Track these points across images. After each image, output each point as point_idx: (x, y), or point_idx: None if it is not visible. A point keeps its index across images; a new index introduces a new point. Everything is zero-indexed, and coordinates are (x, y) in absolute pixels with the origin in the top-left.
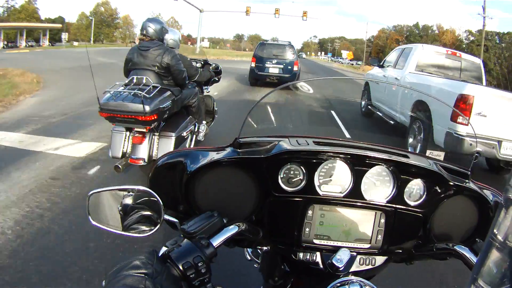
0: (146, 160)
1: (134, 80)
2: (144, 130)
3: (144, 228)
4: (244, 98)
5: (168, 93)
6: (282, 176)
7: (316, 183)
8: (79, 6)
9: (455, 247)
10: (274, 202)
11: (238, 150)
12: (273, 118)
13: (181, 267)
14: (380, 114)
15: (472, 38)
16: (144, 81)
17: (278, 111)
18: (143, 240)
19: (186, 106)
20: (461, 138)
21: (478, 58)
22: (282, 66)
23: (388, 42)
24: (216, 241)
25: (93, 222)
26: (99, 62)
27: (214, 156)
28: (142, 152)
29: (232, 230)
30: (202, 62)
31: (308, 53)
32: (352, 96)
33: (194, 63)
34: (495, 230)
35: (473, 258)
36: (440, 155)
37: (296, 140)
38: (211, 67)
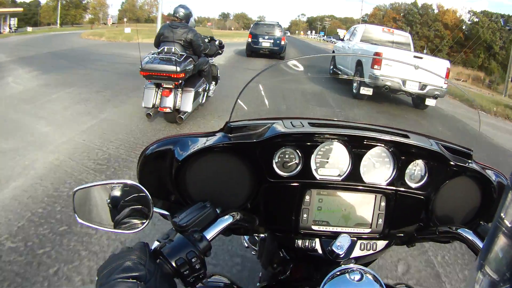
0: (171, 108)
1: (165, 50)
2: (171, 86)
3: (135, 221)
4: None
5: (191, 59)
6: (276, 160)
7: (313, 166)
8: None
9: (458, 230)
10: (269, 188)
11: (230, 135)
12: (265, 99)
13: (174, 264)
14: (340, 72)
15: (476, 19)
16: (173, 50)
17: (270, 92)
18: None
19: (200, 71)
20: (376, 76)
21: (407, 32)
22: (272, 41)
23: (385, 21)
24: (210, 234)
25: (80, 221)
26: None
27: (204, 142)
28: (169, 102)
29: (226, 220)
30: (209, 38)
31: (297, 32)
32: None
33: (205, 39)
34: (502, 214)
35: (477, 242)
36: (369, 91)
37: (291, 122)
38: (216, 43)
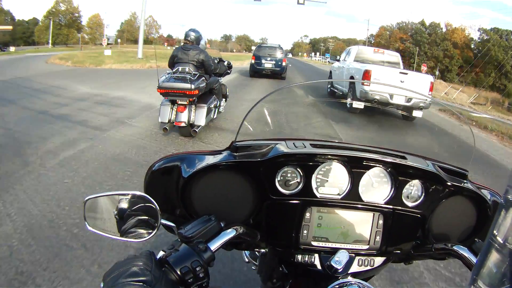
0: (186, 123)
1: (180, 69)
2: (186, 102)
3: (141, 231)
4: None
5: (203, 78)
6: (279, 179)
7: (314, 185)
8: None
9: (454, 247)
10: (271, 205)
11: (235, 154)
12: (269, 121)
13: (178, 272)
14: (336, 90)
15: (486, 37)
16: (187, 70)
17: (274, 114)
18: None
19: (211, 89)
20: (366, 92)
21: (396, 52)
22: (274, 62)
23: (391, 41)
24: (214, 245)
25: (90, 228)
26: None
27: (210, 160)
28: (184, 117)
29: (229, 234)
30: (218, 60)
31: (300, 54)
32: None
33: (215, 60)
34: (494, 231)
35: (472, 258)
36: (361, 105)
37: (293, 143)
38: (225, 63)
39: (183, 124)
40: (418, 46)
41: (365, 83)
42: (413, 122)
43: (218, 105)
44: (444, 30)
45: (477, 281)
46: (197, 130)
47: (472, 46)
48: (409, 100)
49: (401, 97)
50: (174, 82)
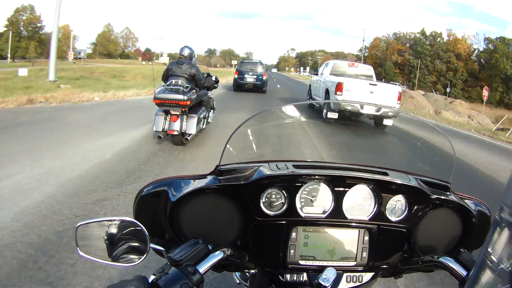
0: (179, 131)
1: (173, 82)
2: (178, 112)
3: (132, 256)
4: None
5: (194, 90)
6: (263, 200)
7: (298, 205)
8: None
9: (440, 259)
10: (257, 226)
11: (220, 178)
12: (253, 143)
13: None
14: (314, 103)
15: (491, 47)
16: (180, 82)
17: (257, 137)
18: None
19: (200, 101)
20: (338, 103)
21: (369, 66)
22: (255, 76)
23: (388, 53)
24: (202, 268)
25: (81, 253)
26: None
27: (196, 184)
28: (176, 126)
29: (217, 256)
30: (206, 74)
31: (287, 68)
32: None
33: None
34: (489, 249)
35: (459, 269)
36: (335, 115)
37: (276, 165)
38: (212, 78)
39: (175, 133)
40: (419, 58)
41: (338, 93)
42: (390, 132)
43: (207, 116)
44: (445, 39)
45: None
46: (188, 138)
47: (474, 58)
48: (378, 109)
49: (371, 107)
50: (168, 93)
